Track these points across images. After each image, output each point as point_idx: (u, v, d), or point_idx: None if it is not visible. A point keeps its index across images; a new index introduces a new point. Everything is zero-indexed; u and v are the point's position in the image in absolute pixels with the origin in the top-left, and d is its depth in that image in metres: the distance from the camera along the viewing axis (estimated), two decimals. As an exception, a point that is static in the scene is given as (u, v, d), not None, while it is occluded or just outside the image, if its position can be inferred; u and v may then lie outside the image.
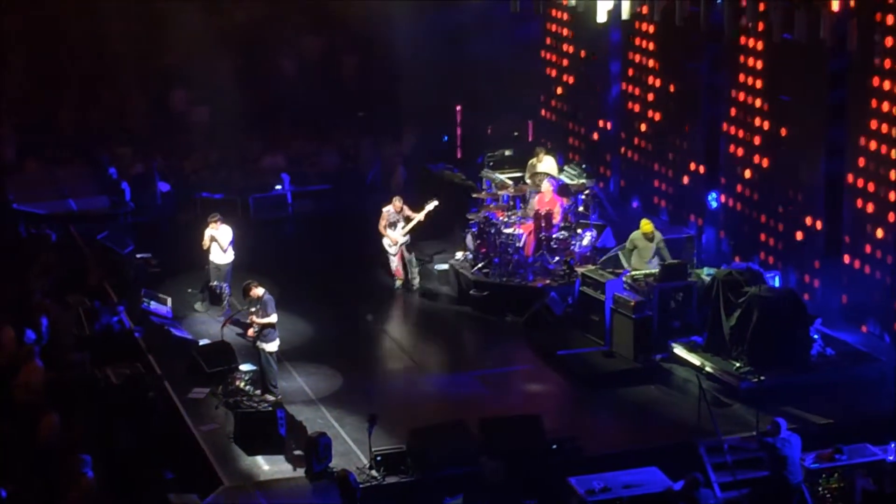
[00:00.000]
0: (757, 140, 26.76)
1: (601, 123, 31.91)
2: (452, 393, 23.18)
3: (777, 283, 24.50)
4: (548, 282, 26.21)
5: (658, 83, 29.83)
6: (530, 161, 28.65)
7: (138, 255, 27.98)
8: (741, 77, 26.86)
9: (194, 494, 19.74)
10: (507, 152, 30.61)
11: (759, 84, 26.51)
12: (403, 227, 26.90)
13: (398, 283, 27.25)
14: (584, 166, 29.08)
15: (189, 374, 23.22)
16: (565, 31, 33.04)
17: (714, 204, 27.59)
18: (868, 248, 24.23)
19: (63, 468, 19.98)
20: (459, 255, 27.64)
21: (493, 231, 26.83)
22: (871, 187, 24.02)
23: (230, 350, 23.46)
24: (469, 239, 27.54)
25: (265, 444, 20.90)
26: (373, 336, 25.66)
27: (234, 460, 20.71)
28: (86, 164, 33.39)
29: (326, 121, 35.17)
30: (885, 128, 23.51)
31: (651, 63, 29.98)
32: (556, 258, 26.54)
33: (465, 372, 23.93)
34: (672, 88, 29.41)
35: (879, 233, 23.90)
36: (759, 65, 26.41)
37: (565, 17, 32.76)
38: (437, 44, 33.30)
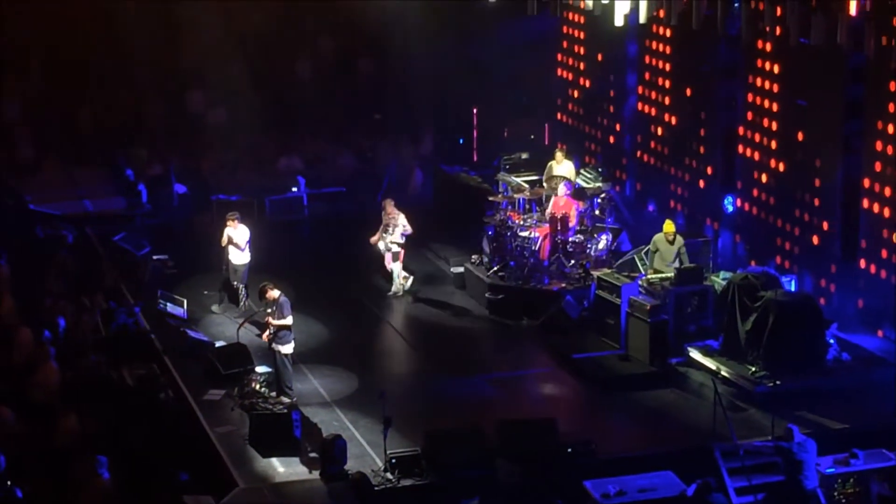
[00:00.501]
0: (773, 144, 26.73)
1: (615, 126, 31.94)
2: (468, 396, 23.17)
3: (793, 288, 24.48)
4: (563, 285, 26.19)
5: (674, 86, 29.80)
6: (549, 163, 28.65)
7: (155, 257, 28.03)
8: (758, 81, 26.83)
9: (209, 496, 19.78)
10: (524, 155, 30.62)
11: (775, 88, 26.48)
12: (391, 233, 26.87)
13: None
14: (600, 170, 29.09)
15: (205, 375, 23.26)
16: (582, 34, 33.05)
17: (730, 208, 27.56)
18: (884, 253, 24.19)
19: (78, 469, 20.02)
20: (475, 257, 27.66)
21: (508, 234, 26.83)
22: (887, 191, 23.98)
23: (246, 352, 23.49)
24: (485, 242, 27.55)
25: (280, 446, 20.93)
26: (388, 338, 25.67)
27: (249, 462, 20.74)
28: (103, 165, 33.49)
29: (342, 123, 35.21)
30: (901, 132, 23.52)
31: (668, 66, 29.96)
32: (572, 262, 26.53)
33: (481, 375, 23.93)
34: (688, 92, 29.38)
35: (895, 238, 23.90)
36: (776, 69, 26.39)
37: (582, 20, 32.77)
38: (454, 46, 33.32)
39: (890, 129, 23.71)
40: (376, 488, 19.80)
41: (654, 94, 30.57)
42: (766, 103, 26.74)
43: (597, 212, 27.68)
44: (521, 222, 26.95)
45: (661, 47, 30.11)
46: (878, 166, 24.10)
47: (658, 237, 25.58)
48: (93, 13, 34.61)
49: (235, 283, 25.89)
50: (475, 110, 33.88)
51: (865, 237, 24.45)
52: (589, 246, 26.77)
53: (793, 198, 26.25)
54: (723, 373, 23.00)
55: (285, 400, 22.07)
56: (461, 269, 27.75)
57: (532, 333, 25.43)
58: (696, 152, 29.21)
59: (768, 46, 26.29)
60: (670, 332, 23.86)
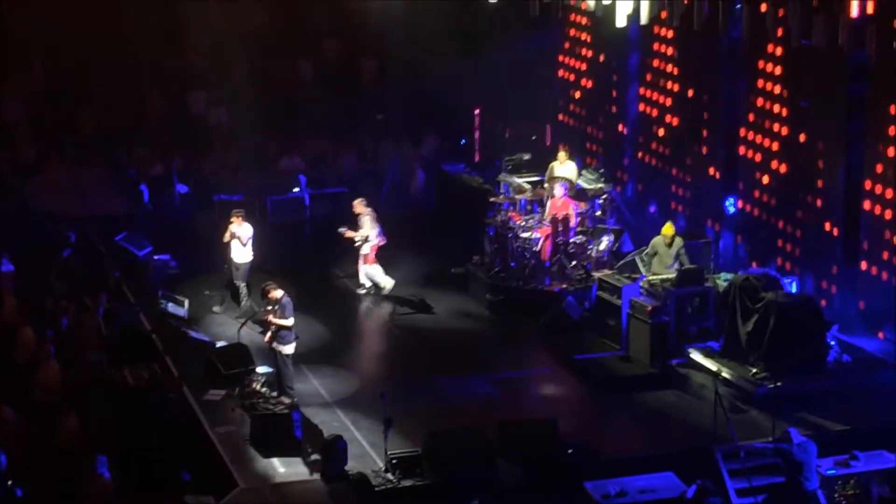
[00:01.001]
0: (775, 145, 26.73)
1: (617, 127, 31.95)
2: (469, 396, 23.17)
3: (794, 289, 24.47)
4: (565, 286, 26.21)
5: (676, 87, 29.82)
6: (551, 164, 28.66)
7: (156, 257, 28.04)
8: (759, 82, 26.84)
9: (210, 496, 19.79)
10: (526, 156, 30.64)
11: (777, 89, 26.49)
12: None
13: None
14: (601, 171, 29.09)
15: (206, 375, 23.27)
16: (584, 35, 33.06)
17: (731, 209, 27.55)
18: (886, 255, 24.19)
19: (79, 468, 20.03)
20: (476, 258, 27.67)
21: (510, 235, 26.84)
22: (889, 193, 23.98)
23: (247, 352, 23.50)
24: (486, 243, 27.55)
25: (281, 447, 20.94)
26: (389, 339, 25.68)
27: (249, 462, 20.74)
28: (104, 165, 33.49)
29: (344, 123, 35.21)
30: (903, 134, 23.53)
31: (669, 67, 29.97)
32: (573, 263, 26.54)
33: (482, 375, 23.93)
34: (690, 93, 29.39)
35: (897, 239, 23.90)
36: (778, 70, 26.39)
37: (584, 20, 32.77)
38: (456, 46, 33.32)
39: (892, 130, 23.72)
40: (377, 489, 19.80)
41: (655, 96, 30.57)
42: (768, 105, 26.74)
43: (598, 213, 27.69)
44: (523, 223, 26.95)
45: (662, 48, 30.11)
46: (879, 168, 24.10)
47: (657, 240, 25.57)
48: (94, 13, 34.59)
49: (237, 281, 25.90)
50: (477, 111, 33.89)
51: (867, 239, 24.45)
52: (590, 247, 26.79)
53: (794, 199, 26.25)
54: (723, 374, 23.00)
55: (286, 400, 22.08)
56: (462, 270, 27.75)
57: (533, 334, 25.41)
58: (698, 153, 29.21)
59: (770, 48, 26.29)
60: (671, 334, 23.87)
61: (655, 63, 30.41)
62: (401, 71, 35.68)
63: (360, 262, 27.11)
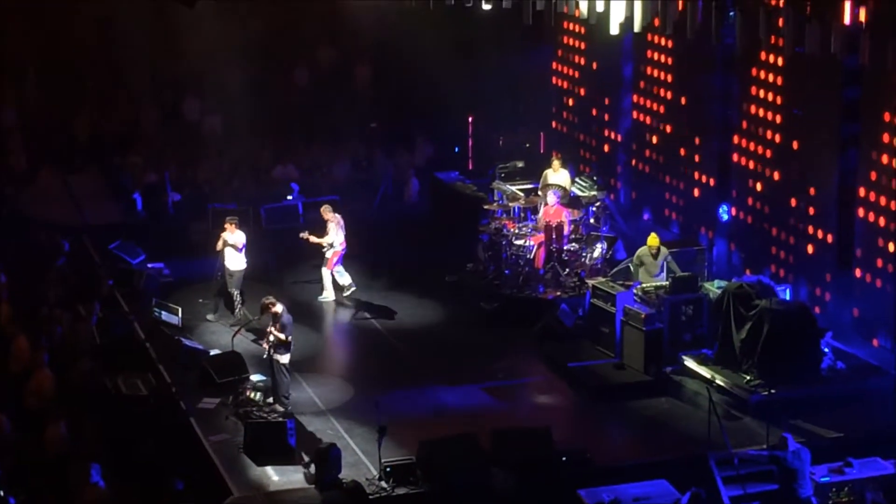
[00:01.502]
0: (768, 153, 26.75)
1: (610, 134, 31.97)
2: (462, 404, 23.16)
3: (788, 297, 24.48)
4: (558, 294, 26.22)
5: (670, 95, 29.85)
6: (544, 172, 28.67)
7: (150, 265, 28.02)
8: (753, 89, 26.87)
9: (203, 505, 19.80)
10: (519, 164, 30.66)
11: (770, 97, 26.51)
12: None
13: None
14: (595, 178, 29.12)
15: (199, 384, 23.25)
16: (577, 43, 33.08)
17: (725, 216, 27.56)
18: (880, 262, 24.21)
19: (72, 477, 20.01)
20: (470, 266, 27.67)
21: (504, 243, 26.85)
22: (882, 201, 24.00)
23: (241, 360, 23.49)
24: (480, 250, 27.55)
25: (275, 455, 20.92)
26: (382, 347, 25.66)
27: (243, 471, 20.72)
28: (98, 173, 33.47)
29: (339, 131, 35.20)
30: (897, 141, 23.54)
31: (663, 75, 30.00)
32: (567, 270, 26.55)
33: (475, 384, 23.91)
34: (683, 100, 29.42)
35: (892, 247, 23.87)
36: (772, 77, 26.42)
37: (577, 28, 32.80)
38: (450, 55, 33.34)
39: (886, 137, 23.74)
40: (371, 497, 19.79)
41: (648, 103, 30.60)
42: (762, 112, 26.76)
43: (592, 220, 27.71)
44: (517, 231, 26.98)
45: (656, 56, 30.13)
46: (873, 175, 24.12)
47: (642, 250, 25.58)
48: (88, 21, 34.59)
49: (231, 289, 25.88)
50: (470, 119, 33.90)
51: (861, 246, 24.47)
52: (584, 254, 26.81)
53: (788, 207, 26.27)
54: (717, 381, 23.00)
55: (279, 408, 22.05)
56: (455, 278, 27.76)
57: (527, 342, 25.39)
58: (691, 161, 29.23)
59: (763, 55, 26.32)
60: (665, 341, 23.86)
61: (649, 70, 30.44)
62: (395, 79, 35.69)
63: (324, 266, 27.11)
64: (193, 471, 20.75)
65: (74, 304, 25.64)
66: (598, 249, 26.98)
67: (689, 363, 23.68)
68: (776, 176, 26.62)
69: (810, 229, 25.68)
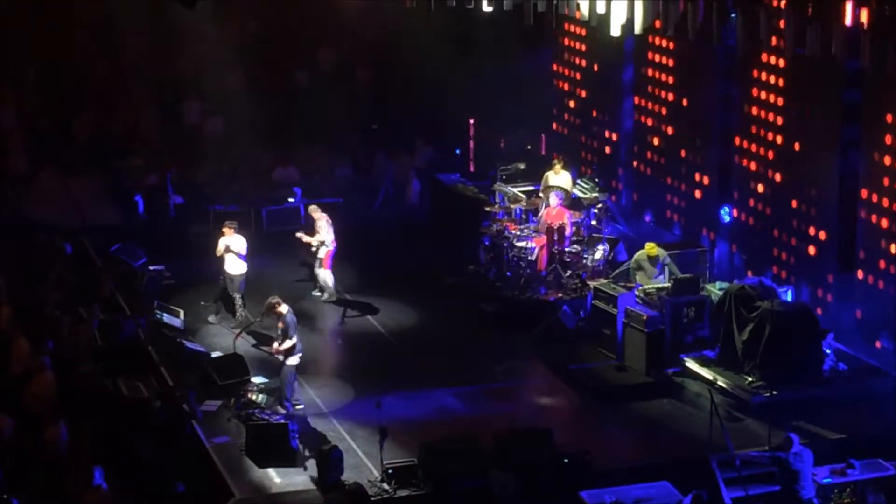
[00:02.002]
0: (770, 154, 26.74)
1: (611, 136, 31.95)
2: (463, 406, 23.16)
3: (790, 298, 24.49)
4: (560, 295, 26.21)
5: (671, 97, 29.84)
6: (546, 174, 28.67)
7: (151, 268, 27.99)
8: (754, 91, 26.86)
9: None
10: (521, 166, 30.64)
11: (772, 98, 26.50)
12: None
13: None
14: (596, 180, 29.11)
15: (201, 386, 23.23)
16: (579, 45, 33.07)
17: (727, 218, 27.57)
18: (882, 264, 24.20)
19: (73, 479, 19.99)
20: (471, 268, 27.67)
21: (505, 245, 26.84)
22: (885, 202, 23.99)
23: (242, 362, 23.48)
24: (481, 252, 27.54)
25: (277, 457, 20.92)
26: (384, 349, 25.65)
27: (245, 473, 20.71)
28: (99, 175, 33.45)
29: (340, 133, 35.19)
30: (899, 143, 23.53)
31: (664, 77, 29.99)
32: (569, 272, 26.54)
33: (477, 385, 23.91)
34: (685, 102, 29.41)
35: (893, 248, 23.87)
36: (773, 79, 26.42)
37: (579, 30, 32.79)
38: (451, 56, 33.33)
39: (888, 139, 23.73)
40: (373, 499, 19.78)
41: (650, 105, 30.59)
42: (763, 113, 26.76)
43: (593, 222, 27.70)
44: (518, 232, 26.97)
45: (657, 58, 30.12)
46: (875, 177, 24.09)
47: (640, 254, 25.60)
48: (89, 23, 34.57)
49: (232, 293, 25.86)
50: (472, 121, 33.89)
51: (863, 248, 24.46)
52: (586, 256, 26.80)
53: (789, 208, 26.26)
54: (719, 383, 23.00)
55: (281, 410, 22.05)
56: (457, 280, 27.75)
57: (528, 344, 25.39)
58: (693, 162, 29.22)
59: (765, 57, 26.31)
60: (667, 343, 23.86)
61: (650, 72, 30.43)
62: (396, 81, 35.68)
63: (317, 266, 27.07)
64: (195, 473, 20.73)
65: (75, 307, 25.61)
66: (600, 251, 26.98)
67: (691, 365, 23.69)
68: (778, 177, 26.61)
69: (812, 231, 25.68)
